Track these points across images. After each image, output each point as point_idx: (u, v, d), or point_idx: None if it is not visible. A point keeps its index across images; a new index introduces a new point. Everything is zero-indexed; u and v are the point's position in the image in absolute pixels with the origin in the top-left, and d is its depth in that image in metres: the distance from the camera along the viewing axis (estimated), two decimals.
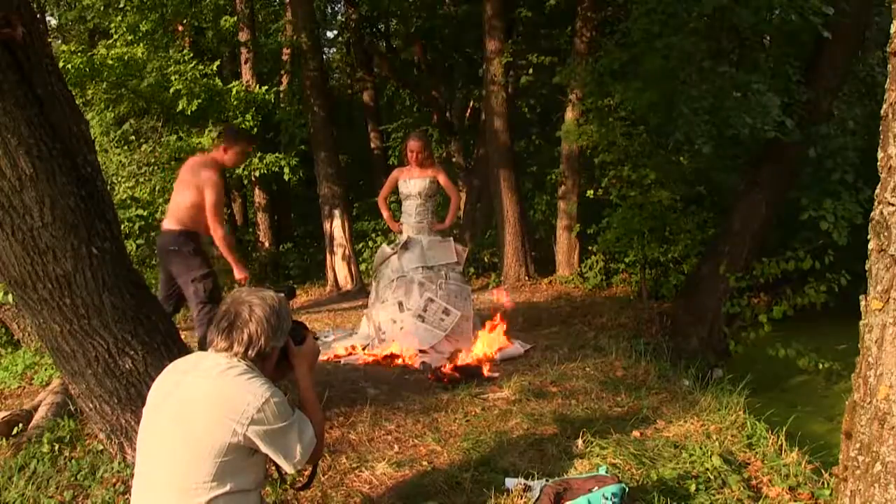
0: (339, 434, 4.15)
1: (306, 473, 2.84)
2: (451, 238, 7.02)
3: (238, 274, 5.25)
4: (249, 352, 2.41)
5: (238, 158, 5.30)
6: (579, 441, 4.01)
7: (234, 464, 2.32)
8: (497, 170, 11.18)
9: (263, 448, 2.36)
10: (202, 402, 2.33)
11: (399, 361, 5.89)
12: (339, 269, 11.45)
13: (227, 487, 2.30)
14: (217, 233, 5.08)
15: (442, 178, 6.75)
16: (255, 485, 2.42)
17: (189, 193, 5.04)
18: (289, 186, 15.01)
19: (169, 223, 5.10)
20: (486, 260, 12.65)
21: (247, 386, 2.34)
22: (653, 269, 10.17)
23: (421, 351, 6.09)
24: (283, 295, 2.55)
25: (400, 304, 6.45)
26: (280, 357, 2.54)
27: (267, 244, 13.91)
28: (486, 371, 5.56)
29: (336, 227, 11.44)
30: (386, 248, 6.95)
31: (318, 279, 12.68)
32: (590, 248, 10.94)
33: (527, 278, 10.97)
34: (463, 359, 5.87)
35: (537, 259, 11.58)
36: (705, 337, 8.79)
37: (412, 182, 6.72)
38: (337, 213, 11.43)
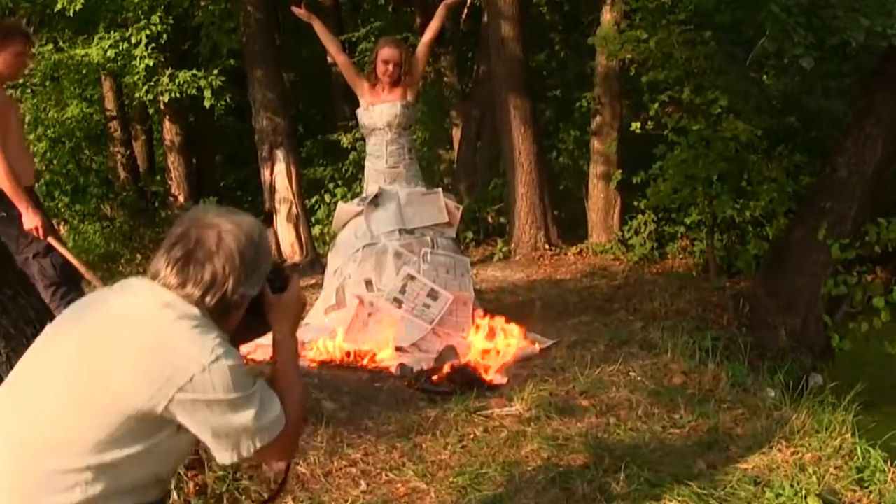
0: (281, 466, 4.11)
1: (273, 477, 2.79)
2: (440, 190, 7.04)
3: (27, 221, 5.16)
4: (208, 297, 2.35)
5: (13, 62, 5.35)
6: (621, 476, 4.02)
7: (126, 442, 2.25)
8: (505, 94, 11.17)
9: (193, 427, 2.30)
10: (122, 341, 2.28)
11: (367, 363, 5.92)
12: (283, 234, 11.44)
13: (99, 488, 2.23)
14: None
15: (415, 59, 6.77)
16: (147, 492, 2.35)
17: None
18: (212, 117, 14.97)
19: None
20: (489, 220, 12.69)
21: (191, 337, 2.29)
22: (725, 234, 10.17)
23: (398, 349, 6.12)
24: (262, 223, 2.52)
25: (368, 282, 6.48)
26: (250, 311, 2.50)
27: (182, 198, 13.89)
28: (489, 377, 5.58)
29: (279, 175, 11.42)
30: (348, 205, 6.94)
31: None
32: (635, 203, 10.99)
33: (547, 247, 11.00)
34: (457, 360, 5.88)
35: (562, 220, 11.61)
36: (798, 329, 8.85)
37: (378, 109, 6.74)
38: (280, 154, 11.39)
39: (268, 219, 11.58)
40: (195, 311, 2.33)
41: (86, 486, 2.21)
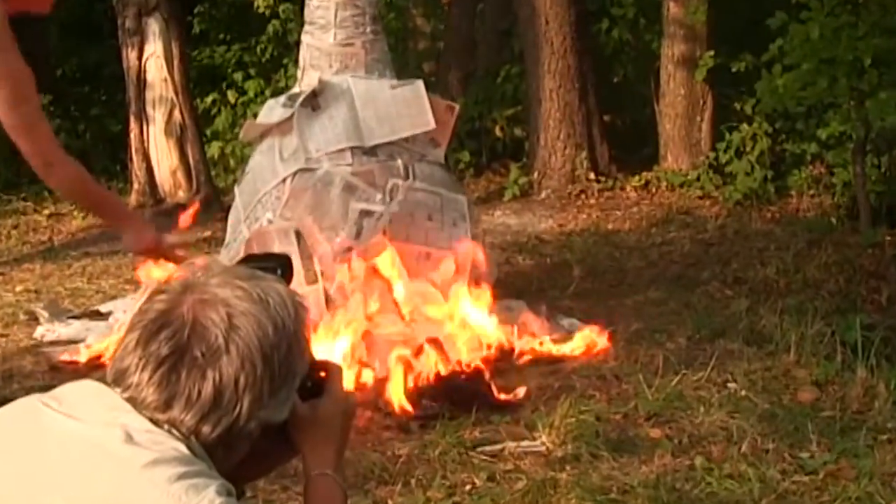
0: None
1: None
2: (420, 83, 7.06)
3: (131, 240, 5.30)
4: (206, 427, 2.22)
5: None
6: None
7: None
8: None
9: None
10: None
11: None
12: (160, 155, 11.53)
13: None
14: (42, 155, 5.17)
15: None
16: None
17: None
18: None
19: None
20: (498, 133, 12.67)
21: (173, 499, 2.10)
22: (883, 156, 10.14)
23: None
24: (294, 293, 2.39)
25: (299, 231, 6.49)
26: (265, 428, 2.41)
27: None
28: (497, 390, 5.66)
29: (152, 59, 11.54)
30: (269, 107, 6.89)
31: (112, 177, 12.62)
32: (738, 106, 11.02)
33: (592, 177, 11.16)
34: (441, 359, 5.93)
35: (616, 132, 11.63)
36: None
37: None
38: (154, 25, 11.45)
39: (135, 132, 11.54)
40: (181, 448, 2.17)
41: None
